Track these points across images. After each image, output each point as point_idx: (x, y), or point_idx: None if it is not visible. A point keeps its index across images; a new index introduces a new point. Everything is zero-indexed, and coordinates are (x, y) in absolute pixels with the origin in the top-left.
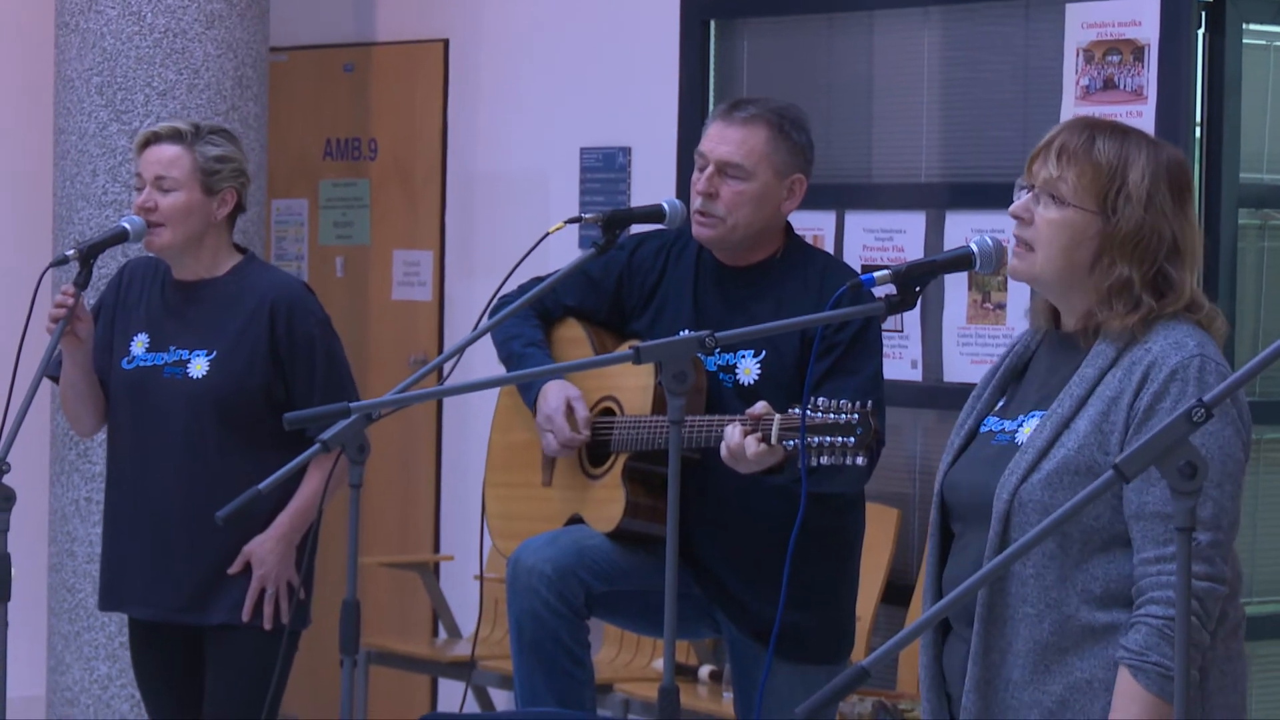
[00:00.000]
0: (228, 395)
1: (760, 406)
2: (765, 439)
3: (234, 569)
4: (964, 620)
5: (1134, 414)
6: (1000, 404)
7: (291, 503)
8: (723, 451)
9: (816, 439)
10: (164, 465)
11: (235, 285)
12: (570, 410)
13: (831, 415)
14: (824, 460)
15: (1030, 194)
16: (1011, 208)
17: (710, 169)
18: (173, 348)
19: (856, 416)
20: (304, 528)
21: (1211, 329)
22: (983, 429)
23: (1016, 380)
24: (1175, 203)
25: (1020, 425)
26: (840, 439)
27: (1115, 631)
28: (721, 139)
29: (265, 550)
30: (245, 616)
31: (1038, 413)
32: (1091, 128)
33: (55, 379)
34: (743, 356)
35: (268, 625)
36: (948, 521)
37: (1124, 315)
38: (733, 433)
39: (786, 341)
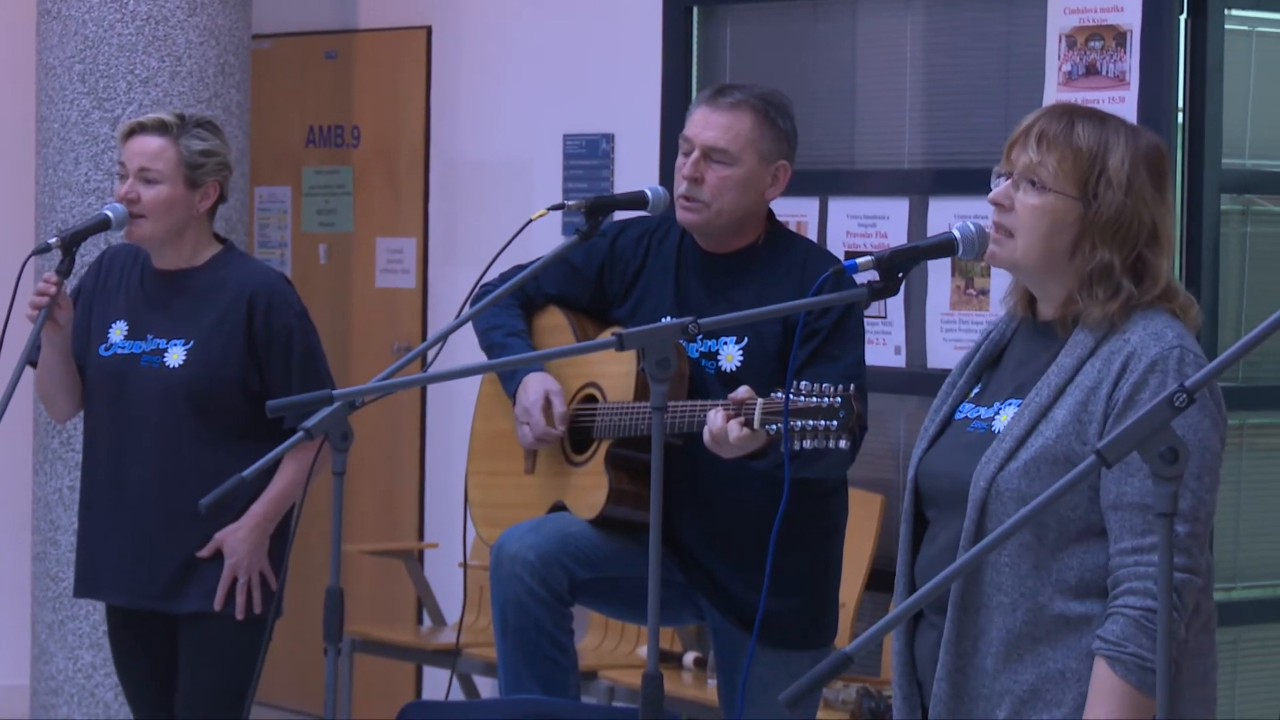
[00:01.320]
0: (204, 385)
1: (743, 391)
2: (748, 423)
3: (204, 553)
4: (936, 608)
5: (1113, 404)
6: (975, 391)
7: (266, 492)
8: (705, 436)
9: (799, 422)
10: (139, 453)
11: (214, 276)
12: (548, 404)
13: (814, 399)
14: (807, 444)
15: (1009, 180)
16: (991, 194)
17: (696, 154)
18: (150, 336)
19: (839, 400)
20: (278, 517)
21: (1186, 318)
22: (957, 416)
23: (992, 367)
24: (1155, 188)
25: (996, 413)
26: (823, 422)
27: (1089, 622)
28: (707, 124)
29: (237, 539)
30: (217, 605)
31: (1014, 401)
32: (1070, 113)
33: (35, 365)
34: (725, 343)
35: (239, 615)
36: (921, 508)
37: (1104, 302)
38: (715, 417)
39: (769, 328)
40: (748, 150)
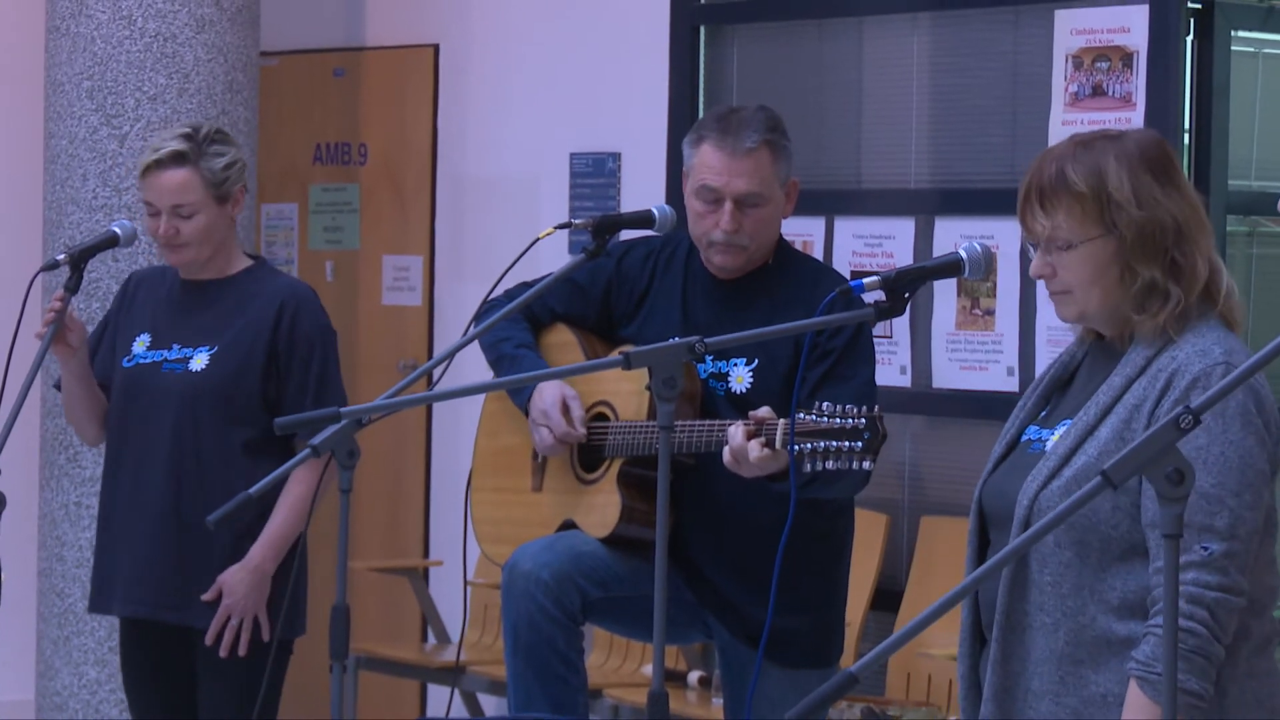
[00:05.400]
0: (224, 387)
1: (765, 410)
2: (769, 443)
3: (208, 597)
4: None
5: (1155, 421)
6: (1044, 413)
7: (266, 531)
8: (725, 455)
9: (823, 443)
10: (157, 460)
11: (248, 287)
12: (566, 408)
13: (838, 420)
14: (829, 464)
15: (1039, 250)
16: (1031, 271)
17: (729, 205)
18: (176, 346)
19: (864, 421)
20: (280, 557)
21: (1232, 318)
22: (1023, 438)
23: (1062, 390)
24: (1160, 183)
25: (1054, 433)
26: (847, 443)
27: (1132, 644)
28: (733, 172)
29: (235, 580)
30: (208, 640)
31: (1068, 421)
32: (1057, 160)
33: (59, 388)
34: (735, 364)
35: (224, 653)
36: (986, 529)
37: (1156, 314)
38: (736, 434)
39: (779, 350)
40: (773, 185)
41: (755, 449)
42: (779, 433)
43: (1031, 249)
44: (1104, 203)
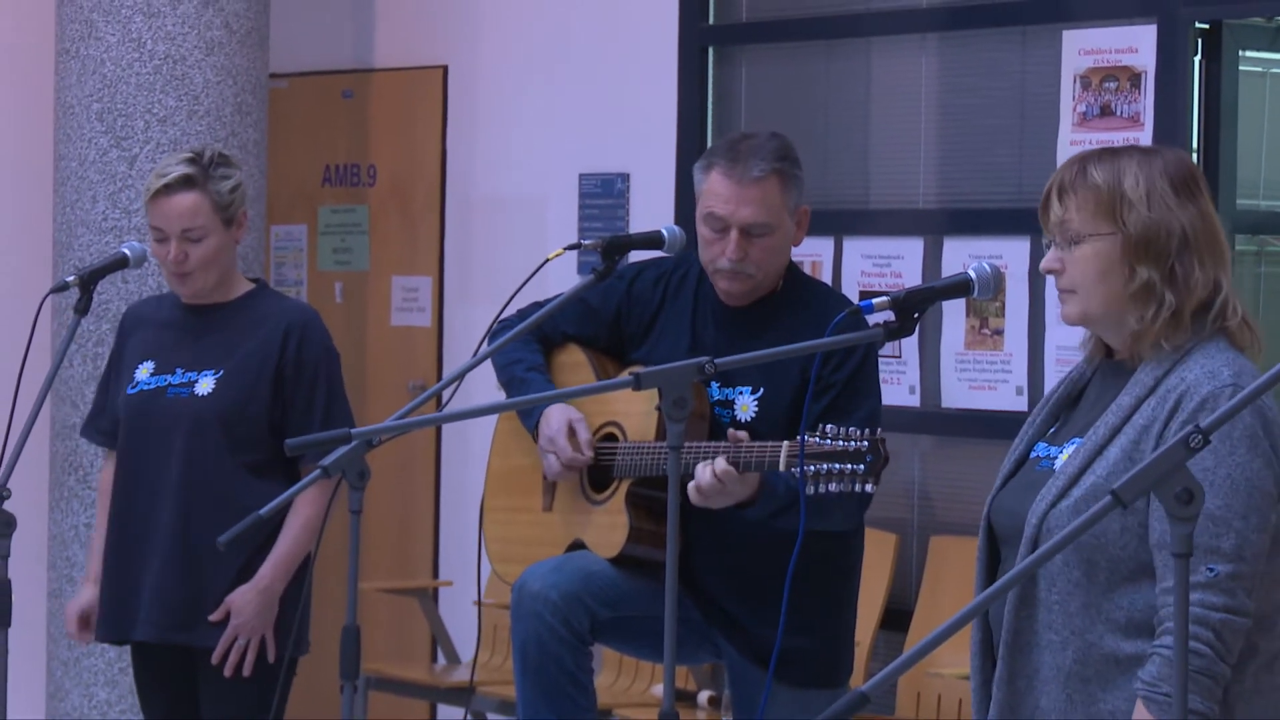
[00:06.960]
0: (232, 411)
1: (742, 433)
2: (735, 465)
3: (215, 617)
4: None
5: (1163, 442)
6: (1052, 430)
7: (275, 552)
8: (691, 494)
9: (825, 465)
10: (168, 482)
11: (252, 310)
12: (572, 432)
13: (840, 442)
14: (832, 487)
15: (1054, 245)
16: (1042, 264)
17: (735, 234)
18: (180, 370)
19: (866, 444)
20: (289, 577)
21: (1241, 341)
22: (1033, 454)
23: (1071, 407)
24: (1178, 196)
25: (1063, 451)
26: (849, 466)
27: (1139, 662)
28: (740, 201)
29: (244, 601)
30: (214, 660)
31: (1077, 439)
32: (1082, 160)
33: (92, 439)
34: (740, 393)
35: (228, 673)
36: (996, 546)
37: (1151, 321)
38: (703, 473)
39: (785, 380)
40: (781, 214)
41: (715, 468)
42: (783, 454)
43: (1048, 249)
44: (1117, 200)
